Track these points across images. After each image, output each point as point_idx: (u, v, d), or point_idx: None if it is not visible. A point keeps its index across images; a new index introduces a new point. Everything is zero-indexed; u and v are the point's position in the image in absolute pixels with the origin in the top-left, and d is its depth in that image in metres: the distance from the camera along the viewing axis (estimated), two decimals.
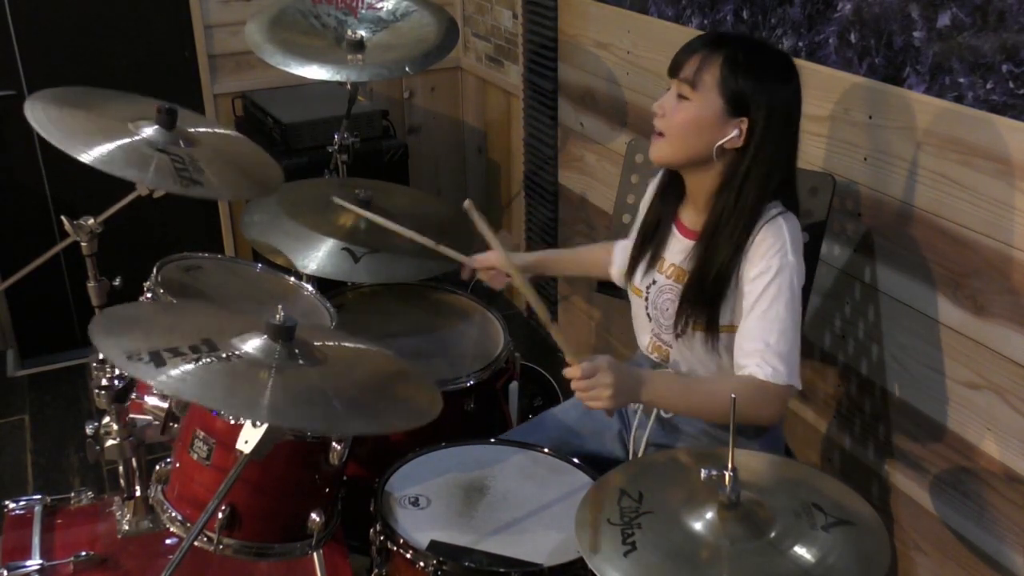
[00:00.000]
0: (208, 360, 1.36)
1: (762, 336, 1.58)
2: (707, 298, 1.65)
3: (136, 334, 1.42)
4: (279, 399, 1.34)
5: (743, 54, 1.59)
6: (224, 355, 1.39)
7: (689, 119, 1.62)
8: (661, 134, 1.66)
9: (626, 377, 1.56)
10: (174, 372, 1.31)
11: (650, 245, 1.79)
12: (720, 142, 1.60)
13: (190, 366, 1.33)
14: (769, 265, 1.59)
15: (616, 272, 1.98)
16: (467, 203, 1.69)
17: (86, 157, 1.73)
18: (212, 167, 1.87)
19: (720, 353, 1.69)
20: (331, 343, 1.60)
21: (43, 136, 1.76)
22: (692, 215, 1.74)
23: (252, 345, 1.43)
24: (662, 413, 1.80)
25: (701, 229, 1.68)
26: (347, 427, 1.48)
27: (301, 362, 1.44)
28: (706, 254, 1.65)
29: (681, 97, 1.63)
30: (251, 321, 1.50)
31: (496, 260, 2.06)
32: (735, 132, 1.60)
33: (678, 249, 1.74)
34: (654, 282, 1.77)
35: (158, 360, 1.32)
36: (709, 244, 1.65)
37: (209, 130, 2.05)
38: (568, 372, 1.57)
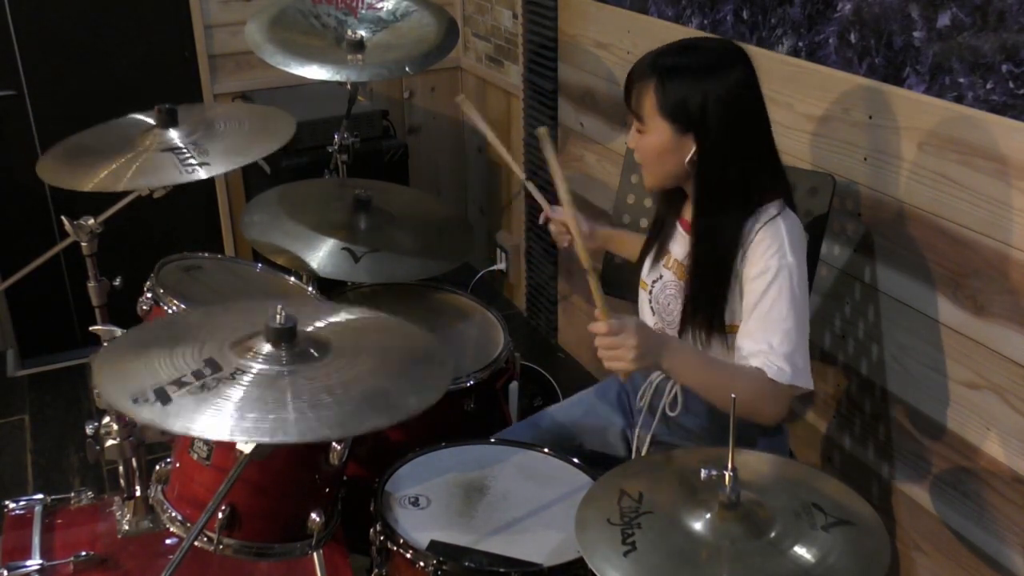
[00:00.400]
0: (213, 385, 1.34)
1: (764, 338, 1.57)
2: (707, 296, 1.65)
3: (138, 366, 1.40)
4: (302, 413, 1.32)
5: (670, 67, 1.59)
6: (229, 375, 1.37)
7: (650, 150, 1.65)
8: (640, 164, 1.70)
9: (651, 341, 1.54)
10: (181, 409, 1.29)
11: (656, 240, 1.80)
12: (687, 159, 1.61)
13: (194, 398, 1.31)
14: (768, 266, 1.58)
15: None
16: (542, 130, 1.65)
17: (110, 187, 1.82)
18: (219, 144, 1.91)
19: (727, 352, 1.70)
20: (328, 320, 1.59)
21: (68, 189, 1.85)
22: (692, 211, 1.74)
23: (259, 354, 1.42)
24: (667, 411, 1.80)
25: (691, 230, 1.69)
26: (302, 432, 1.40)
27: (310, 359, 1.43)
28: (702, 252, 1.65)
29: (638, 131, 1.66)
30: (251, 323, 1.50)
31: (569, 220, 2.10)
32: (694, 146, 1.60)
33: (682, 244, 1.74)
34: (660, 276, 1.78)
35: (164, 397, 1.30)
36: (699, 246, 1.65)
37: (213, 110, 2.09)
38: (594, 327, 1.55)
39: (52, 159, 1.96)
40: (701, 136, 1.58)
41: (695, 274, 1.66)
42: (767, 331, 1.57)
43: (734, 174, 1.60)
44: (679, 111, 1.58)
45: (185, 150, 1.90)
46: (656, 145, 1.62)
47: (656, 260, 1.79)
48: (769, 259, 1.58)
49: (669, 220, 1.79)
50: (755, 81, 1.60)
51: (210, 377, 1.36)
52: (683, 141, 1.60)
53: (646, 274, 1.82)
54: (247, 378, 1.37)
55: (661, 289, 1.76)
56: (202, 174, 1.83)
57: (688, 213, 1.75)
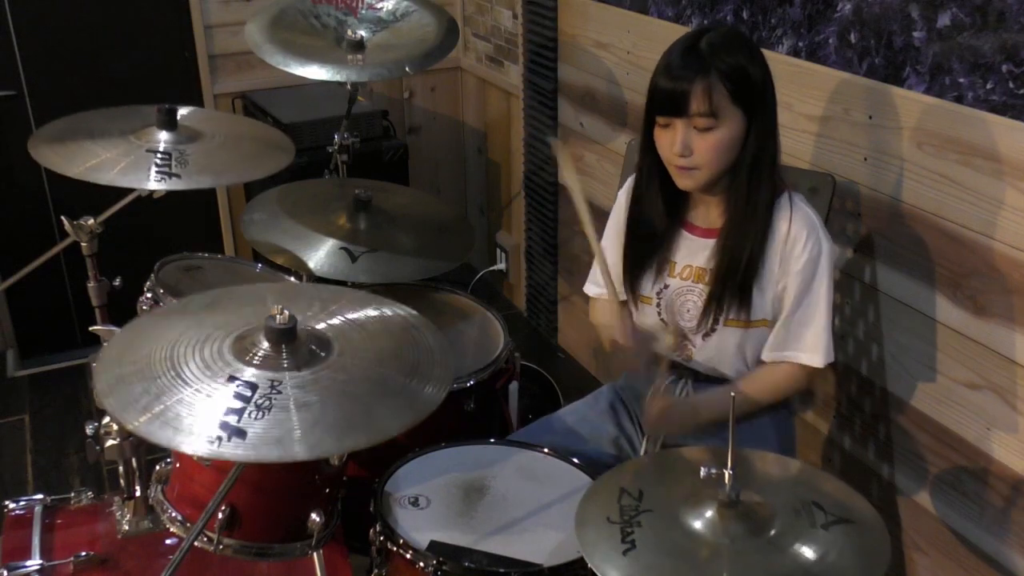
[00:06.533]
0: (266, 404, 1.30)
1: (801, 329, 1.69)
2: (738, 291, 1.66)
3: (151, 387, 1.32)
4: (312, 425, 1.30)
5: (720, 53, 1.58)
6: (275, 392, 1.32)
7: (722, 143, 1.61)
8: (694, 168, 1.64)
9: (677, 412, 1.75)
10: (263, 436, 1.25)
11: (656, 254, 1.78)
12: (743, 143, 1.63)
13: (261, 423, 1.27)
14: (810, 256, 1.66)
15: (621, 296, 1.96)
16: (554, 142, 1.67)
17: (93, 178, 1.78)
18: (208, 157, 1.88)
19: (747, 349, 1.71)
20: (332, 321, 1.54)
21: (54, 171, 1.81)
22: (705, 214, 1.74)
23: (257, 356, 1.38)
24: None
25: (723, 225, 1.69)
26: (385, 428, 1.41)
27: (314, 361, 1.39)
28: (735, 247, 1.66)
29: (700, 129, 1.61)
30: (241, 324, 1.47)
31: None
32: (751, 126, 1.63)
33: (692, 250, 1.74)
34: (666, 286, 1.77)
35: (237, 432, 1.24)
36: (737, 237, 1.66)
37: (214, 120, 2.07)
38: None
39: (47, 137, 1.92)
40: (760, 114, 1.62)
41: (731, 263, 1.67)
42: (804, 323, 1.69)
43: (768, 153, 1.65)
44: (748, 93, 1.60)
45: (168, 156, 1.86)
46: (730, 136, 1.61)
47: (659, 272, 1.78)
48: (811, 249, 1.66)
49: (671, 229, 1.77)
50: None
51: (258, 396, 1.31)
52: (744, 124, 1.62)
53: (649, 289, 1.80)
54: (288, 388, 1.34)
55: (673, 297, 1.76)
56: (169, 185, 1.80)
57: (695, 218, 1.75)
